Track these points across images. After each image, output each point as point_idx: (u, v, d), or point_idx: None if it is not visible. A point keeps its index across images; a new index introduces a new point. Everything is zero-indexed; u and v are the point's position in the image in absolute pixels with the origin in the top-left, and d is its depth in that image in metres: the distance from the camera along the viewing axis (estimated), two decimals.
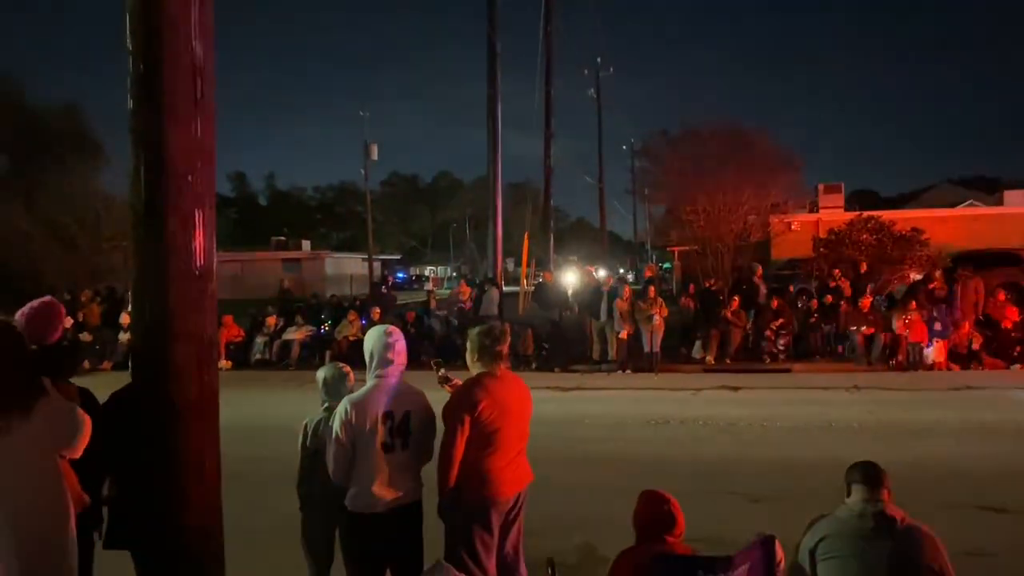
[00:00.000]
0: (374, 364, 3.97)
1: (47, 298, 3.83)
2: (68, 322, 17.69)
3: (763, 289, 16.41)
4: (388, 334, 4.02)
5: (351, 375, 4.49)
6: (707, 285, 17.77)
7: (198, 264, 3.30)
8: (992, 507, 6.32)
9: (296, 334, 17.34)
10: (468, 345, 4.14)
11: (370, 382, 3.97)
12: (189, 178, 3.25)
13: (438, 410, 4.10)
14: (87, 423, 3.27)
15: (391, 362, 3.95)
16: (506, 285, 20.59)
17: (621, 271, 46.54)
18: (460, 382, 4.18)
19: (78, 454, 3.25)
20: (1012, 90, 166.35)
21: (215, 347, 3.46)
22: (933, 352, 13.78)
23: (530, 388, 4.29)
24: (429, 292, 22.50)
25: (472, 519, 3.95)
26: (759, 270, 17.65)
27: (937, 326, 13.99)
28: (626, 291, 15.39)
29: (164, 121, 3.19)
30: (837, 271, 17.03)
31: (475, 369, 4.10)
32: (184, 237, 3.25)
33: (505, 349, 4.10)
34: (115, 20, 3.30)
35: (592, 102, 41.02)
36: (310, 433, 4.38)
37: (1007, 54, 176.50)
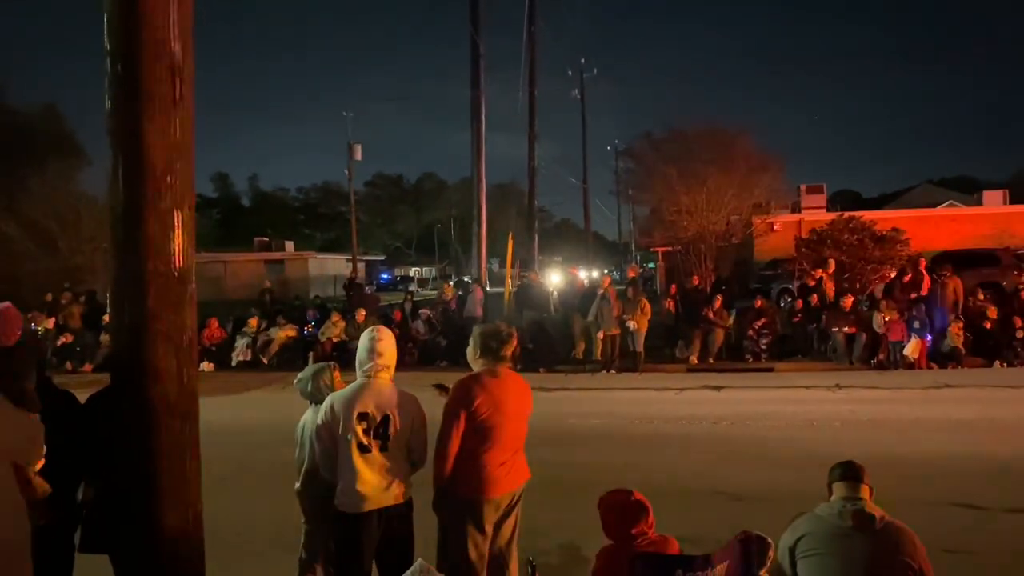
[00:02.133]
0: (360, 364, 4.00)
1: (4, 304, 3.73)
2: (50, 323, 17.59)
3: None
4: (372, 334, 4.06)
5: (328, 373, 4.46)
6: (695, 284, 17.82)
7: (177, 265, 3.28)
8: (971, 505, 6.38)
9: (279, 335, 17.21)
10: (471, 342, 4.18)
11: (357, 381, 4.00)
12: (168, 179, 3.24)
13: (430, 412, 4.11)
14: (38, 430, 3.13)
15: (374, 362, 3.96)
16: (491, 286, 20.61)
17: (606, 271, 46.65)
18: None
19: (33, 463, 3.13)
20: (992, 92, 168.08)
21: (195, 348, 3.45)
22: (909, 349, 13.89)
23: None
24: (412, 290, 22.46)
25: (466, 515, 3.96)
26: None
27: (916, 324, 14.12)
28: (611, 292, 15.42)
29: (142, 122, 3.17)
30: (819, 272, 17.07)
31: (476, 367, 4.13)
32: (163, 238, 3.24)
33: (510, 352, 4.13)
34: (93, 19, 3.28)
35: (576, 103, 41.18)
36: (303, 439, 4.37)
37: (988, 56, 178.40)
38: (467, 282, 19.00)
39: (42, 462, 3.16)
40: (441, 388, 4.34)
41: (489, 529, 4.02)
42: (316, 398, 4.32)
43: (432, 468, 3.98)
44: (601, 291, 15.45)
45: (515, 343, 4.18)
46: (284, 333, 17.21)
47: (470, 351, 4.18)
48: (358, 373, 4.02)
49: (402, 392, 4.03)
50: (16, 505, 3.04)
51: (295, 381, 4.50)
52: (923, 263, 15.64)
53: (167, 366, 3.27)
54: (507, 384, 4.10)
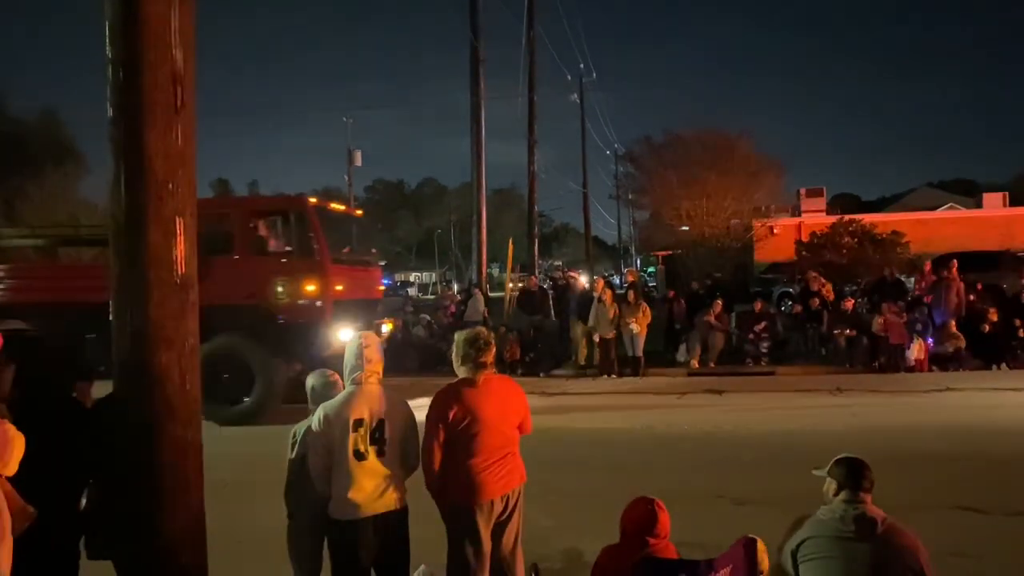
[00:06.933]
0: (349, 371, 3.99)
1: None
2: None
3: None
4: (361, 340, 4.05)
5: (339, 383, 4.46)
6: (694, 288, 17.80)
7: (179, 272, 3.29)
8: (974, 508, 6.37)
9: None
10: (454, 348, 4.20)
11: (346, 389, 4.00)
12: (170, 186, 3.24)
13: (420, 416, 4.11)
14: (13, 440, 3.10)
15: (362, 368, 3.95)
16: (491, 291, 20.62)
17: (606, 275, 46.67)
18: None
19: (7, 471, 3.09)
20: (991, 95, 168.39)
21: (197, 354, 3.45)
22: (912, 351, 13.88)
23: None
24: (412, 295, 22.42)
25: (457, 521, 4.01)
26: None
27: (918, 327, 14.11)
28: (608, 296, 15.34)
29: (144, 129, 3.18)
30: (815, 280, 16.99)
31: (460, 372, 4.15)
32: (165, 246, 3.24)
33: (489, 359, 4.13)
34: (95, 26, 3.29)
35: (576, 107, 41.21)
36: (298, 440, 4.36)
37: (987, 59, 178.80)
38: (474, 285, 18.99)
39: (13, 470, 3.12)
40: None
41: (485, 534, 4.04)
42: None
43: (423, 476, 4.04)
44: (596, 294, 15.42)
45: (493, 349, 4.20)
46: None
47: (453, 358, 4.22)
48: (346, 379, 4.02)
49: (392, 395, 4.03)
50: None
51: (309, 394, 4.44)
52: (928, 266, 15.66)
53: (169, 372, 3.27)
54: (486, 391, 4.11)
